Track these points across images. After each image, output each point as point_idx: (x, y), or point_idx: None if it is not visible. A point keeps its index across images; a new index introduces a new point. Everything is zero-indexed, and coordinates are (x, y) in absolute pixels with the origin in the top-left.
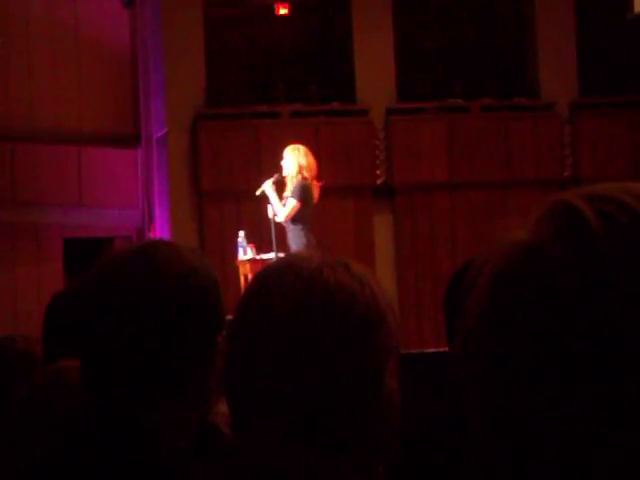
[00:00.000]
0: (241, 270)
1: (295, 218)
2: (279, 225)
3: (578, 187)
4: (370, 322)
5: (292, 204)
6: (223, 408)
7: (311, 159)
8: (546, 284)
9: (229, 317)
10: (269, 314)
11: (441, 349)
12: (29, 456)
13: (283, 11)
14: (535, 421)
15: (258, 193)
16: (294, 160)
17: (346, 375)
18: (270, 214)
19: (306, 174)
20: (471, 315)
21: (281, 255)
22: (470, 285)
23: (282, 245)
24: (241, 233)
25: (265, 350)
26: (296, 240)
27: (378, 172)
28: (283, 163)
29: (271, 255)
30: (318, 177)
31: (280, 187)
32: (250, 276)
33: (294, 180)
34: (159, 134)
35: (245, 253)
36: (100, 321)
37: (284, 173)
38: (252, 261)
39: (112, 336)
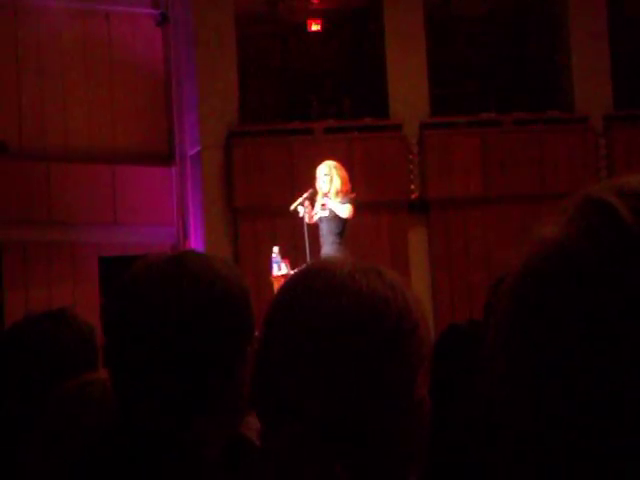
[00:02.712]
0: (276, 286)
1: (338, 231)
2: (313, 240)
3: (608, 180)
4: (402, 329)
5: (349, 207)
6: (254, 420)
7: (345, 174)
8: (579, 284)
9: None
10: (299, 319)
11: None
12: (55, 470)
13: (316, 27)
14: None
15: (292, 208)
16: (330, 176)
17: (377, 382)
18: (306, 218)
19: (345, 188)
20: (500, 311)
21: None
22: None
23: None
24: (275, 249)
25: (295, 356)
26: (331, 254)
27: (412, 187)
28: (318, 180)
29: None
30: (352, 191)
31: (312, 203)
32: None
33: (337, 195)
34: (193, 151)
35: (280, 269)
36: (129, 331)
37: (320, 190)
38: (287, 277)
39: (141, 346)
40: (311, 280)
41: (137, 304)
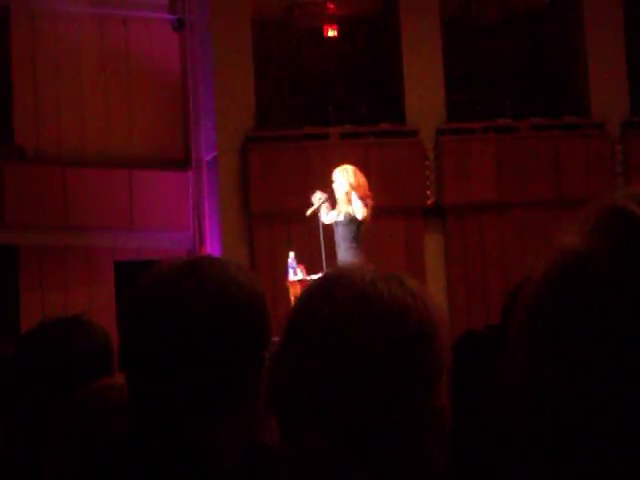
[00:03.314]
0: (291, 291)
1: (353, 235)
2: (329, 245)
3: (629, 189)
4: (423, 336)
5: (363, 207)
6: (274, 425)
7: (362, 178)
8: (601, 296)
9: (277, 338)
10: (319, 325)
11: None
12: (70, 476)
13: (332, 33)
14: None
15: (308, 213)
16: (345, 181)
17: (397, 389)
18: (325, 219)
19: (360, 193)
20: (521, 318)
21: None
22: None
23: (332, 265)
24: (291, 254)
25: (314, 361)
26: (347, 259)
27: (428, 192)
28: (334, 185)
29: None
30: (370, 196)
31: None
32: None
33: (350, 200)
34: (209, 157)
35: (295, 274)
36: (145, 336)
37: (336, 195)
38: (302, 282)
39: (157, 351)
40: (332, 287)
41: (153, 309)
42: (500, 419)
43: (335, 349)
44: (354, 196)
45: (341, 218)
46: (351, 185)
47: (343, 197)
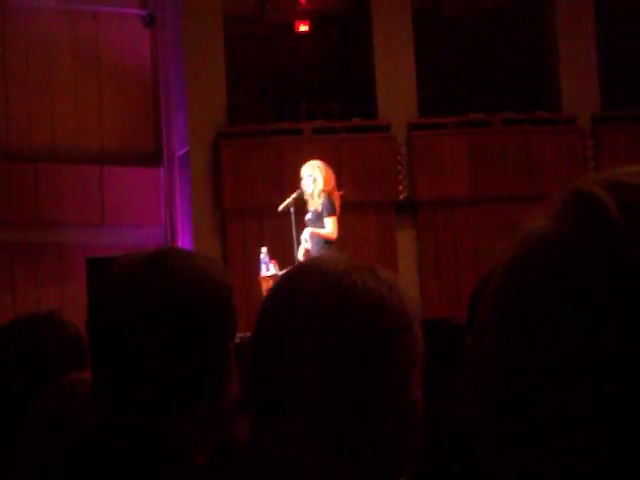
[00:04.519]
0: (264, 286)
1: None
2: (301, 241)
3: (597, 175)
4: (398, 326)
5: (331, 221)
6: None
7: (329, 172)
8: (565, 280)
9: (249, 333)
10: (293, 314)
11: None
12: (40, 469)
13: (303, 28)
14: (545, 413)
15: (280, 209)
16: (313, 177)
17: (373, 379)
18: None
19: (328, 188)
20: (488, 303)
21: None
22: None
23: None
24: (263, 249)
25: (287, 350)
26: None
27: (400, 187)
28: (303, 181)
29: None
30: (338, 187)
31: (300, 204)
32: None
33: (319, 196)
34: (181, 152)
35: (268, 269)
36: (109, 329)
37: (306, 190)
38: (275, 277)
39: (122, 344)
40: (306, 277)
41: (117, 302)
42: (471, 404)
43: (310, 338)
44: (323, 198)
45: (310, 216)
46: (321, 181)
47: (312, 193)
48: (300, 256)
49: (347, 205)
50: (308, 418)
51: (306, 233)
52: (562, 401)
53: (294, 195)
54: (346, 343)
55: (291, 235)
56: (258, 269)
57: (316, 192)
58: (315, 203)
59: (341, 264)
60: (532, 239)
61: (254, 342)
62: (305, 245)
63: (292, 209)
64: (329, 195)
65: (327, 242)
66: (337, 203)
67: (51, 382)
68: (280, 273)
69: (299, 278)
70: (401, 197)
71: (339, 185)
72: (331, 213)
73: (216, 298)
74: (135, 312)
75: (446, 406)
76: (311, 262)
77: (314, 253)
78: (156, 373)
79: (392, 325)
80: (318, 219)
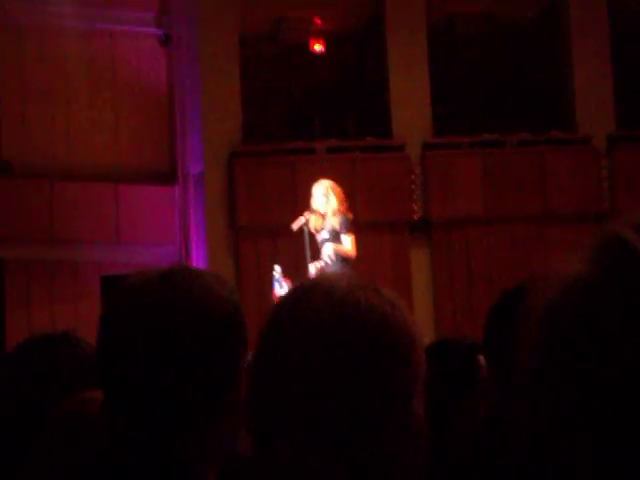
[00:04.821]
0: None
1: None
2: (316, 259)
3: (630, 216)
4: (401, 343)
5: (350, 239)
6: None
7: (341, 191)
8: (601, 322)
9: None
10: (296, 332)
11: None
12: None
13: (318, 47)
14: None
15: (294, 227)
16: (326, 196)
17: (374, 396)
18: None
19: (342, 207)
20: (526, 351)
21: None
22: (522, 320)
23: None
24: (277, 267)
25: (292, 366)
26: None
27: (414, 207)
28: (314, 200)
29: None
30: (349, 210)
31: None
32: None
33: (334, 215)
34: (196, 171)
35: (281, 287)
36: (120, 345)
37: (319, 210)
38: None
39: (131, 363)
40: (309, 295)
41: (128, 319)
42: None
43: (313, 355)
44: (338, 217)
45: (326, 235)
46: (336, 200)
47: (326, 213)
48: (314, 274)
49: (361, 224)
50: (311, 435)
51: (329, 250)
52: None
53: (307, 214)
54: (349, 360)
55: (304, 254)
56: (272, 287)
57: (330, 211)
58: (331, 222)
59: (344, 282)
60: (569, 283)
61: (257, 360)
62: (327, 262)
63: (305, 228)
64: (345, 214)
65: (345, 260)
66: (352, 232)
67: (66, 400)
68: None
69: (302, 296)
70: (415, 217)
71: (350, 205)
72: (350, 231)
73: (226, 316)
74: (145, 329)
75: (457, 424)
76: (314, 280)
77: (331, 270)
78: (166, 390)
79: (395, 342)
80: (336, 237)
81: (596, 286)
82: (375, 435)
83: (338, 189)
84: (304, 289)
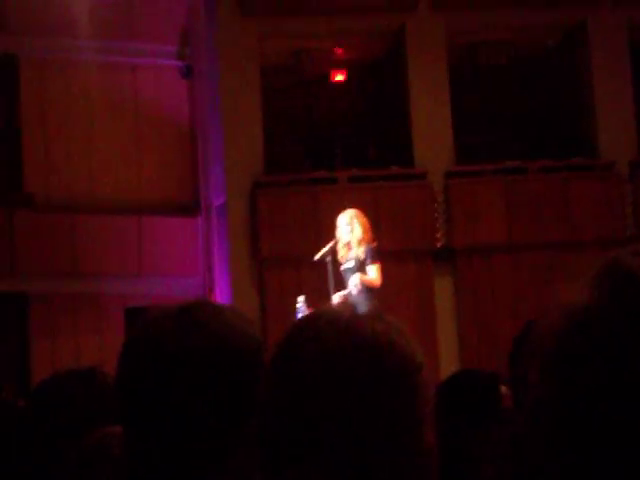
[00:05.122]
0: None
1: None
2: (339, 289)
3: (633, 245)
4: (408, 370)
5: (376, 268)
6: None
7: (366, 221)
8: (606, 347)
9: None
10: (302, 362)
11: None
12: None
13: (339, 77)
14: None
15: (317, 258)
16: (351, 226)
17: (381, 423)
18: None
19: (367, 236)
20: (534, 377)
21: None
22: (531, 351)
23: None
24: (301, 298)
25: (298, 396)
26: (360, 305)
27: (438, 235)
28: (338, 230)
29: None
30: (374, 239)
31: (336, 252)
32: None
33: (359, 245)
34: (218, 202)
35: None
36: (137, 382)
37: (344, 239)
38: None
39: (151, 400)
40: (315, 325)
41: (144, 355)
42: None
43: (318, 385)
44: (363, 246)
45: (351, 265)
46: (362, 229)
47: (351, 242)
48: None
49: (384, 253)
50: (319, 463)
51: (355, 280)
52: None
53: (330, 244)
54: (354, 387)
55: (328, 284)
56: (295, 317)
57: (355, 241)
58: (356, 252)
59: (347, 311)
60: (576, 310)
61: (264, 391)
62: (353, 291)
63: (328, 258)
64: (370, 243)
65: (370, 290)
66: (378, 261)
67: (88, 435)
68: None
69: (307, 326)
70: (438, 245)
71: (374, 234)
72: (375, 260)
73: (245, 353)
74: (162, 363)
75: (476, 454)
76: (319, 311)
77: (354, 300)
78: (184, 423)
79: (401, 368)
80: (361, 267)
81: (598, 312)
82: (383, 461)
83: (363, 218)
84: (309, 319)
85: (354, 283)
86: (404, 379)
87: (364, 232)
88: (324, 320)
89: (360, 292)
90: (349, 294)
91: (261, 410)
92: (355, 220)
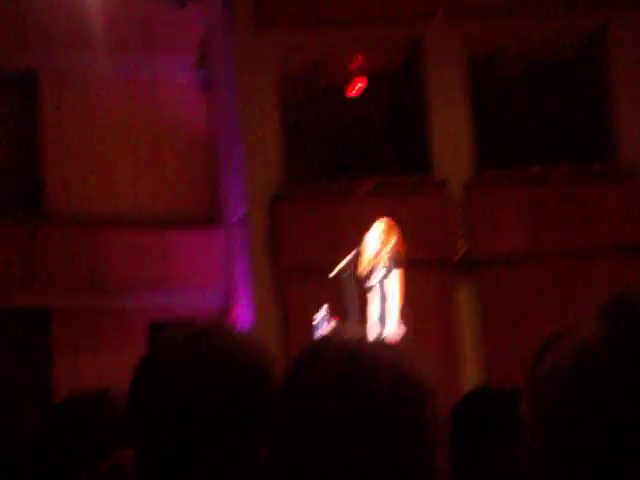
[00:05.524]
0: None
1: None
2: (362, 298)
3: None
4: (419, 393)
5: (398, 275)
6: None
7: (392, 229)
8: (597, 389)
9: None
10: (312, 389)
11: None
12: None
13: (358, 88)
14: None
15: (332, 275)
16: (383, 238)
17: (394, 449)
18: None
19: (397, 245)
20: (533, 409)
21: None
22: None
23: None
24: (324, 307)
25: (309, 425)
26: (382, 318)
27: (458, 244)
28: (367, 240)
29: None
30: (401, 246)
31: (358, 262)
32: None
33: (386, 254)
34: (239, 215)
35: (327, 326)
36: (148, 404)
37: (372, 249)
38: None
39: (162, 424)
40: (322, 351)
41: (156, 377)
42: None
43: (329, 411)
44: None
45: (381, 272)
46: (388, 238)
47: (380, 251)
48: (376, 314)
49: (406, 263)
50: None
51: (378, 290)
52: None
53: (350, 256)
54: (361, 415)
55: (348, 296)
56: (314, 331)
57: (384, 249)
58: (383, 260)
59: (356, 337)
60: (578, 347)
61: (274, 417)
62: (377, 303)
63: (349, 270)
64: (398, 251)
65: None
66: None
67: (101, 459)
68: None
69: (315, 353)
70: (460, 254)
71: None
72: (400, 268)
73: (257, 380)
74: (175, 390)
75: (496, 471)
76: (326, 337)
77: (377, 313)
78: (193, 443)
79: (411, 394)
80: (388, 275)
81: (601, 347)
82: None
83: (396, 230)
84: (316, 346)
85: (387, 291)
86: (414, 404)
87: (396, 244)
88: (331, 346)
89: (384, 303)
90: (373, 306)
91: (271, 439)
92: (384, 229)
